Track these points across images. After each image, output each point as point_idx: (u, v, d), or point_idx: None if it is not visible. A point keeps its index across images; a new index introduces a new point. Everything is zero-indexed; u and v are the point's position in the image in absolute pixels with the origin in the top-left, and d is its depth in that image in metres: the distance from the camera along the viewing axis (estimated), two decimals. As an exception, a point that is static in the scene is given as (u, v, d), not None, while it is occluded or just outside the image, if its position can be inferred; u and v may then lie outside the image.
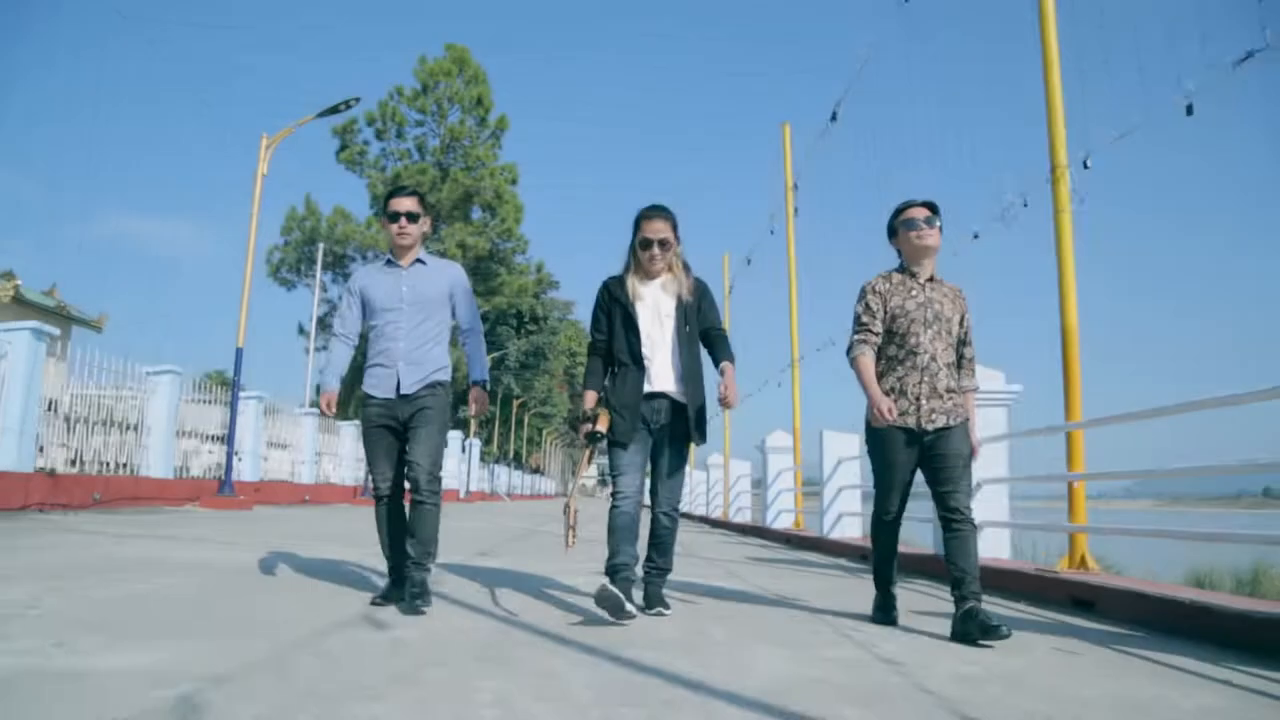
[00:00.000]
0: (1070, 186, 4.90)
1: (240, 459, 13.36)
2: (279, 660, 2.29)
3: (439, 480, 3.44)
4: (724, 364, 3.50)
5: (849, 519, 8.64)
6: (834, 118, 9.18)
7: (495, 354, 41.49)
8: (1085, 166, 4.73)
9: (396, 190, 3.65)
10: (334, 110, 12.33)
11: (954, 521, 3.27)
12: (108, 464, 10.22)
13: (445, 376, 3.57)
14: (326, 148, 34.50)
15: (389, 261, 3.63)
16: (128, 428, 10.57)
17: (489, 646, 2.63)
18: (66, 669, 2.05)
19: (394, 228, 3.55)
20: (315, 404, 20.38)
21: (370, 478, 3.60)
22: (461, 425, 37.23)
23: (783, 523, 11.22)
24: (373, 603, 3.37)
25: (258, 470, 14.36)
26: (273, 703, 1.85)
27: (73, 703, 1.77)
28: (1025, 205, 5.33)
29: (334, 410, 3.66)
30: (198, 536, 6.41)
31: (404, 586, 3.35)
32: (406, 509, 3.49)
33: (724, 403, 3.42)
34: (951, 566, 3.24)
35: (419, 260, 3.62)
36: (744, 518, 14.76)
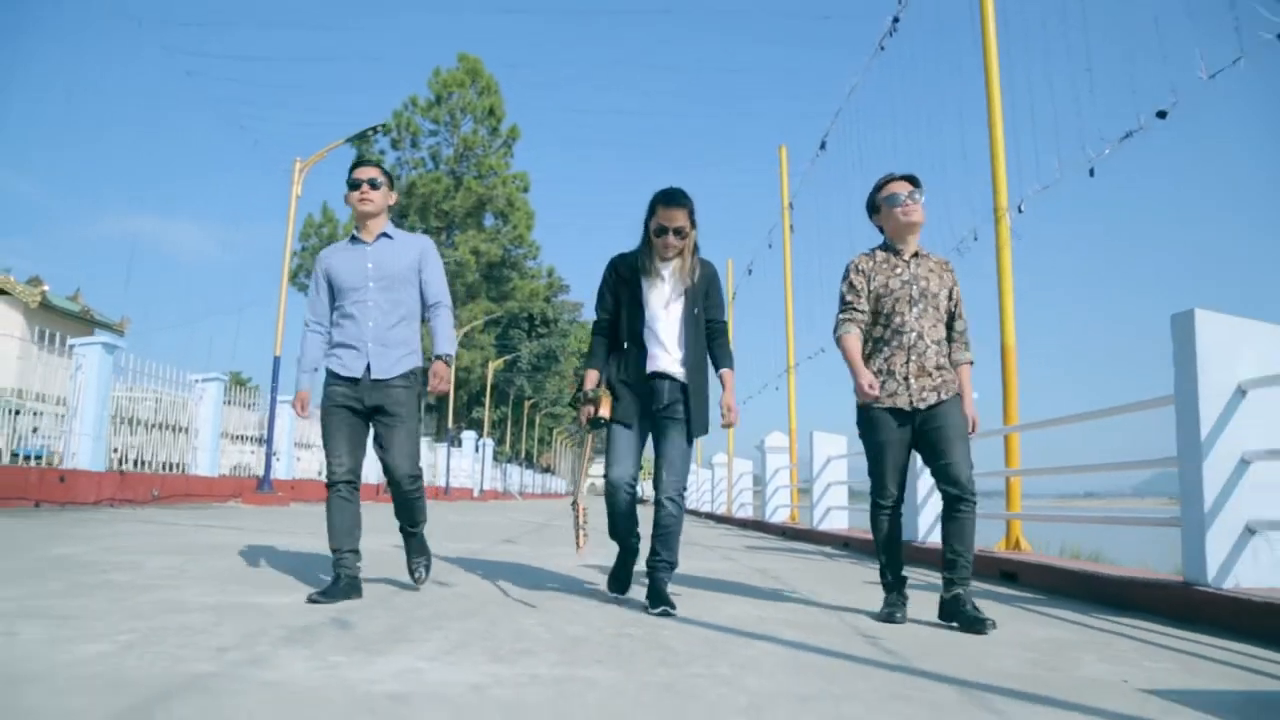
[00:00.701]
0: (1009, 226, 5.77)
1: (278, 459, 14.36)
2: (381, 603, 3.19)
3: (420, 477, 3.48)
4: (724, 371, 3.45)
5: (836, 512, 9.52)
6: (823, 146, 10.05)
7: (508, 356, 42.45)
8: (1019, 211, 5.60)
9: (356, 163, 3.49)
10: (362, 136, 13.34)
11: (956, 500, 3.18)
12: (163, 464, 11.22)
13: (418, 361, 3.46)
14: (342, 156, 35.54)
15: (353, 239, 3.47)
16: (179, 430, 11.56)
17: (528, 597, 3.53)
18: (246, 603, 2.96)
19: (355, 195, 3.40)
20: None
21: (327, 463, 3.33)
22: (475, 425, 38.23)
23: (779, 517, 12.11)
24: (310, 600, 3.08)
25: (291, 469, 15.37)
26: (391, 622, 2.75)
27: (265, 619, 2.67)
28: (975, 239, 6.20)
29: (307, 412, 3.56)
30: (259, 528, 7.33)
31: (342, 583, 3.20)
32: (388, 503, 3.68)
33: (725, 423, 3.41)
34: (947, 549, 3.22)
35: (384, 235, 3.46)
36: (746, 513, 15.66)
